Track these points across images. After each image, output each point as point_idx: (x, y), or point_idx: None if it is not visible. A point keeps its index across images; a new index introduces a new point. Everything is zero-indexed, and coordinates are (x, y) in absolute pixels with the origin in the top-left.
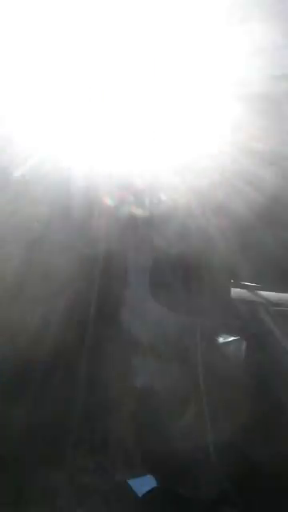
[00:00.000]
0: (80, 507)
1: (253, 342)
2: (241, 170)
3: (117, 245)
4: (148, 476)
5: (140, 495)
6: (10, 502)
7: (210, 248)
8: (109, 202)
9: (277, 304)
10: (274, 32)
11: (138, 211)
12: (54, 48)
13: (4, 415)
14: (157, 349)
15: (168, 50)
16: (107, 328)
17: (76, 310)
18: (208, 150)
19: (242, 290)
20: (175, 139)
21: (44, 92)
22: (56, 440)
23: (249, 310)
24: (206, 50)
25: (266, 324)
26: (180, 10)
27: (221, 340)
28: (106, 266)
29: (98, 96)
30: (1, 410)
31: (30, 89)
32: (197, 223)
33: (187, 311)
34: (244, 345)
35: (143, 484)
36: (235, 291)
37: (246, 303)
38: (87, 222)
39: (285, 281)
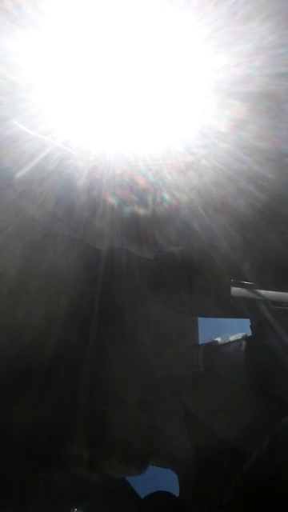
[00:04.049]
0: (80, 507)
1: (253, 341)
2: (243, 168)
3: (120, 244)
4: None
5: (141, 495)
6: (11, 501)
7: (212, 247)
8: (112, 201)
9: (277, 303)
10: (274, 31)
11: (141, 210)
12: (54, 48)
13: (5, 415)
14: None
15: (168, 49)
16: (109, 327)
17: (78, 309)
18: (210, 149)
19: (243, 289)
20: (177, 138)
21: (45, 92)
22: (57, 439)
23: (249, 309)
24: (207, 50)
25: (266, 323)
26: (180, 9)
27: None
28: (109, 265)
29: (100, 95)
30: (1, 409)
31: (31, 89)
32: (199, 222)
33: (188, 310)
34: (244, 344)
35: (144, 484)
36: (236, 290)
37: (246, 302)
38: (90, 222)
39: (286, 279)
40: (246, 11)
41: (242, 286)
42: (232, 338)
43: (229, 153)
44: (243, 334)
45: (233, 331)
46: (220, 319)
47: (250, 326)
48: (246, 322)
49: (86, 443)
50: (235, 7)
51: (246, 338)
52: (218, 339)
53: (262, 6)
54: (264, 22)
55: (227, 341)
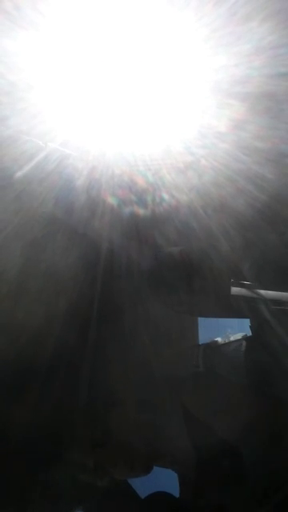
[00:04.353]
0: (80, 507)
1: (254, 341)
2: (242, 168)
3: (119, 244)
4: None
5: (141, 496)
6: (11, 501)
7: (212, 247)
8: (111, 201)
9: (277, 303)
10: (274, 31)
11: (141, 210)
12: (53, 48)
13: (5, 415)
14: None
15: (168, 49)
16: (109, 327)
17: (78, 309)
18: (209, 149)
19: (242, 289)
20: (176, 138)
21: (45, 92)
22: (57, 440)
23: (250, 309)
24: (206, 50)
25: (266, 323)
26: (180, 9)
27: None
28: (108, 265)
29: (99, 95)
30: (2, 409)
31: (31, 89)
32: (198, 222)
33: (188, 311)
34: (244, 344)
35: (144, 484)
36: (236, 290)
37: (246, 302)
38: (90, 222)
39: (286, 279)
40: (245, 11)
41: (242, 285)
42: (232, 338)
43: (228, 153)
44: (243, 334)
45: (233, 331)
46: (220, 319)
47: (250, 326)
48: (246, 322)
49: (87, 444)
50: (234, 7)
51: (246, 338)
52: (218, 339)
53: (261, 7)
54: (263, 23)
55: (227, 341)
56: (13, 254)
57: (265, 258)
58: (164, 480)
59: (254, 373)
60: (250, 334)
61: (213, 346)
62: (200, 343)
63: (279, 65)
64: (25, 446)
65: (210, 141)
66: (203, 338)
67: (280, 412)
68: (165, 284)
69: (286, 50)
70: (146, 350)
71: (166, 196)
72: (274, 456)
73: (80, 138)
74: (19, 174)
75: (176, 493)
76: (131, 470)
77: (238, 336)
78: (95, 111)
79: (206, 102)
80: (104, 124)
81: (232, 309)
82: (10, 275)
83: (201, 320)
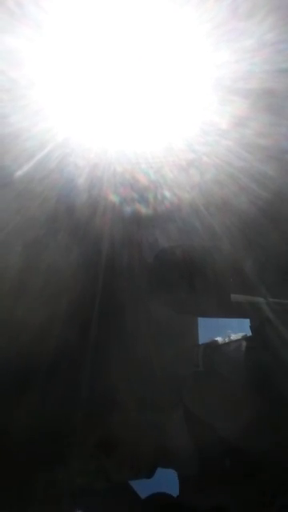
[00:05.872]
0: (80, 508)
1: (254, 341)
2: (244, 165)
3: (120, 242)
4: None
5: (142, 497)
6: (11, 502)
7: (214, 245)
8: (113, 199)
9: (279, 302)
10: (275, 27)
11: (142, 208)
12: (55, 45)
13: (5, 415)
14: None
15: (169, 46)
16: (109, 327)
17: (79, 308)
18: (211, 147)
19: (244, 288)
20: (178, 136)
21: (46, 89)
22: (57, 440)
23: (250, 308)
24: (208, 46)
25: (267, 322)
26: (181, 5)
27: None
28: (109, 263)
29: (101, 92)
30: (2, 410)
31: (32, 86)
32: (200, 220)
33: (189, 310)
34: (244, 344)
35: (145, 486)
36: (237, 289)
37: (247, 301)
38: (91, 220)
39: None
40: (246, 7)
41: (243, 285)
42: (232, 338)
43: (230, 150)
44: (243, 333)
45: (233, 331)
46: (220, 319)
47: (250, 326)
48: (246, 322)
49: (87, 448)
50: (236, 3)
51: (246, 338)
52: (218, 339)
53: (262, 2)
54: (265, 19)
55: (227, 341)
56: (14, 253)
57: (267, 257)
58: (164, 480)
59: (254, 372)
60: (249, 334)
61: (213, 346)
62: (200, 343)
63: (281, 61)
64: (25, 446)
65: (212, 138)
66: (203, 337)
67: (280, 411)
68: (166, 283)
69: (287, 46)
70: (146, 350)
71: (167, 194)
72: (275, 456)
73: (82, 135)
74: (20, 172)
75: (176, 493)
76: (136, 474)
77: (238, 336)
78: (97, 109)
79: (207, 99)
80: (106, 121)
81: (233, 308)
82: (11, 274)
83: (201, 320)
